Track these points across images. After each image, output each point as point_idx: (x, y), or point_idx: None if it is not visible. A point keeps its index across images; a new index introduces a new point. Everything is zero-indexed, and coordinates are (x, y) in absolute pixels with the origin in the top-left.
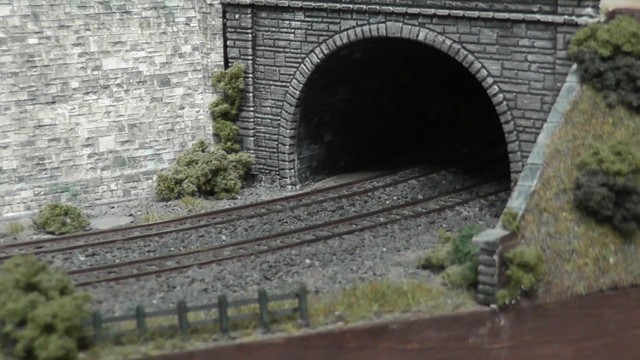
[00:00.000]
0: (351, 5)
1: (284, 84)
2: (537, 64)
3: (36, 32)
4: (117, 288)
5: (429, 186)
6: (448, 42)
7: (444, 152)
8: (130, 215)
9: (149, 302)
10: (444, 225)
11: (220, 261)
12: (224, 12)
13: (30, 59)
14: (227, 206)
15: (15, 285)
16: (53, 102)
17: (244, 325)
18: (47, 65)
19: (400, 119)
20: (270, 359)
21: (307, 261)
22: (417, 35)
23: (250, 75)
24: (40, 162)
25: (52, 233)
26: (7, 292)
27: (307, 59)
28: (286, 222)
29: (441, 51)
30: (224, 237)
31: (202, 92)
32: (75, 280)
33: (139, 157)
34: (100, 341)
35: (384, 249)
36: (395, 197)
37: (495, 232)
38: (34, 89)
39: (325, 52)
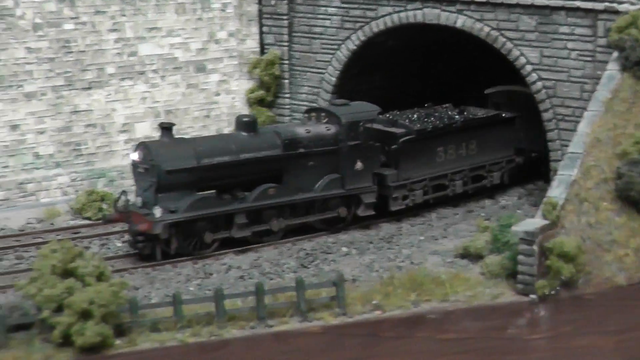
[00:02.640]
0: None
1: (319, 70)
2: (577, 52)
3: (72, 18)
4: (154, 274)
5: None
6: (486, 29)
7: None
8: None
9: (186, 289)
10: (482, 214)
11: (257, 248)
12: None
13: (67, 45)
14: None
15: (52, 271)
16: (89, 88)
17: (281, 314)
18: (83, 51)
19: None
20: (307, 347)
21: (344, 249)
22: (455, 22)
23: (286, 61)
24: (77, 147)
25: (89, 219)
26: (43, 278)
27: (343, 45)
28: None
29: (478, 38)
30: None
31: (237, 79)
32: (111, 267)
33: None
34: (137, 328)
35: (422, 238)
36: None
37: (535, 222)
38: (70, 74)
39: (362, 38)
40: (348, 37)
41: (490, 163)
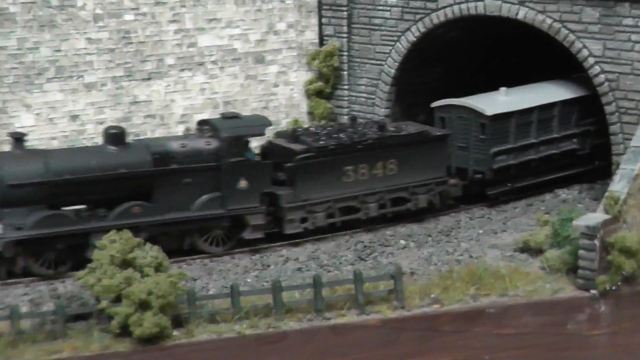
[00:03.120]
0: None
1: (379, 62)
2: None
3: (132, 9)
4: (211, 266)
5: None
6: (548, 21)
7: None
8: None
9: (243, 281)
10: (542, 208)
11: (315, 240)
12: None
13: (127, 36)
14: None
15: (110, 262)
16: (149, 79)
17: (339, 306)
18: (143, 42)
19: None
20: (364, 340)
21: (402, 242)
22: (517, 14)
23: (345, 53)
24: (136, 138)
25: None
26: (102, 268)
27: (403, 37)
28: None
29: (540, 30)
30: None
31: (296, 70)
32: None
33: None
34: (195, 319)
35: (480, 231)
36: None
37: (597, 216)
38: (130, 65)
39: (422, 30)
40: (408, 29)
41: (414, 185)
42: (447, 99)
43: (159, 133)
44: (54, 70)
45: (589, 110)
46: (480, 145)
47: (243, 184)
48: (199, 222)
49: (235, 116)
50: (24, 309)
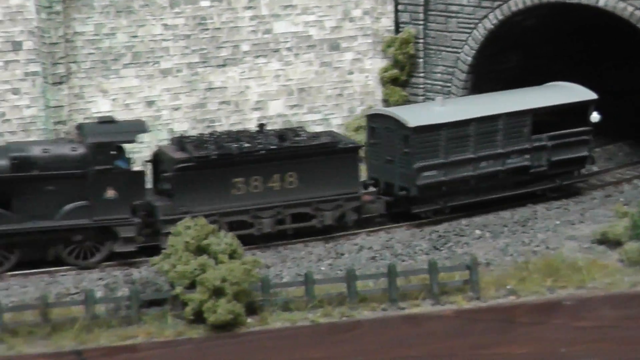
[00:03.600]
0: None
1: (455, 50)
2: None
3: None
4: (285, 253)
5: (604, 158)
6: (630, 9)
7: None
8: None
9: (317, 269)
10: (621, 199)
11: (389, 229)
12: None
13: (202, 22)
14: None
15: (185, 248)
16: (224, 65)
17: (413, 296)
18: (219, 28)
19: None
20: (439, 331)
21: (478, 232)
22: (597, 2)
23: (421, 40)
24: (211, 124)
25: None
26: (177, 254)
27: (480, 24)
28: None
29: (621, 19)
30: None
31: (371, 57)
32: (243, 244)
33: (307, 121)
34: (269, 307)
35: (557, 222)
36: None
37: None
38: (206, 51)
39: (499, 17)
40: (485, 16)
41: (318, 200)
42: (377, 108)
43: (233, 120)
44: (130, 56)
45: (549, 123)
46: (404, 159)
47: (111, 193)
48: (62, 232)
49: (110, 121)
50: (99, 293)
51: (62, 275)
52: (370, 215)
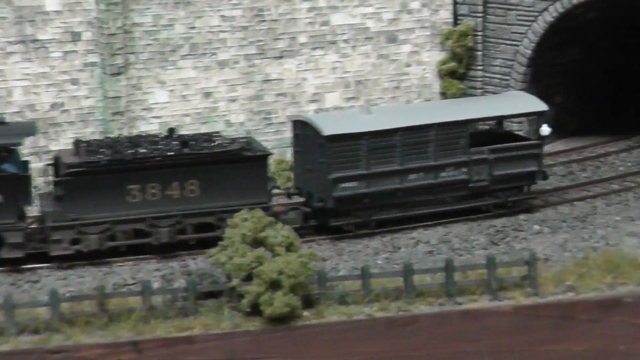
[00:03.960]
0: None
1: (514, 43)
2: None
3: None
4: (342, 246)
5: None
6: None
7: None
8: None
9: (373, 262)
10: None
11: (446, 223)
12: None
13: (260, 13)
14: None
15: (242, 240)
16: (281, 57)
17: (471, 291)
18: (276, 20)
19: (634, 82)
20: (497, 326)
21: (536, 227)
22: None
23: (480, 33)
24: (267, 116)
25: (277, 188)
26: (234, 246)
27: (540, 17)
28: None
29: None
30: None
31: (429, 50)
32: (300, 237)
33: None
34: (325, 300)
35: (618, 218)
36: (629, 164)
37: None
38: (263, 43)
39: (560, 10)
40: (545, 9)
41: (222, 210)
42: (300, 114)
43: (290, 112)
44: (187, 48)
45: (491, 135)
46: (321, 169)
47: None
48: None
49: (0, 122)
50: (155, 284)
51: (120, 265)
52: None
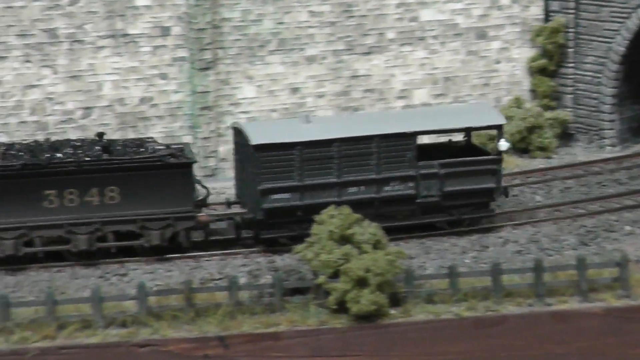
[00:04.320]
0: None
1: (607, 40)
2: None
3: None
4: (429, 244)
5: None
6: None
7: None
8: None
9: (461, 261)
10: None
11: (535, 223)
12: None
13: (348, 9)
14: (542, 165)
15: (329, 237)
16: (369, 53)
17: (560, 292)
18: (365, 16)
19: None
20: (587, 328)
21: (628, 228)
22: None
23: (572, 29)
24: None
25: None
26: (320, 243)
27: (634, 14)
28: (605, 185)
29: None
30: (538, 198)
31: (519, 47)
32: (387, 235)
33: None
34: (412, 298)
35: None
36: None
37: None
38: (351, 39)
39: None
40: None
41: (145, 218)
42: (236, 121)
43: (377, 108)
44: (276, 43)
45: (456, 149)
46: (252, 179)
47: None
48: None
49: None
50: (242, 280)
51: (206, 260)
52: (219, 237)
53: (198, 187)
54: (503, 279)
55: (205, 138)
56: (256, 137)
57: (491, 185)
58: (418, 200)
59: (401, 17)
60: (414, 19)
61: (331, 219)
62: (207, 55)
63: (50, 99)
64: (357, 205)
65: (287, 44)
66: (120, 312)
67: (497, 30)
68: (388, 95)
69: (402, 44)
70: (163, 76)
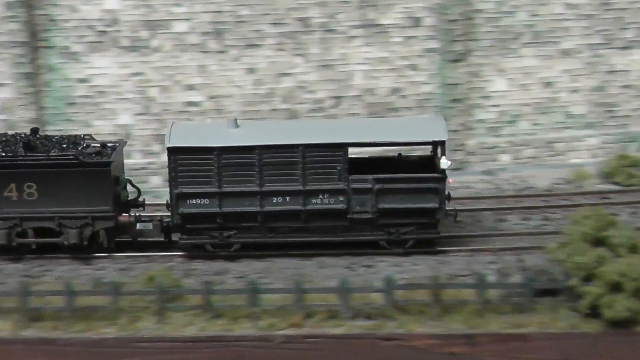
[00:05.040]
0: None
1: None
2: None
3: None
4: None
5: None
6: None
7: None
8: None
9: None
10: None
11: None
12: None
13: (607, 2)
14: None
15: (582, 239)
16: (628, 47)
17: None
18: (624, 9)
19: None
20: None
21: None
22: None
23: None
24: (610, 109)
25: (618, 184)
26: (573, 244)
27: None
28: None
29: None
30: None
31: None
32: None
33: None
34: None
35: None
36: None
37: None
38: (609, 32)
39: None
40: None
41: (62, 216)
42: (175, 120)
43: (636, 105)
44: (529, 35)
45: (408, 164)
46: (170, 183)
47: None
48: None
49: None
50: (491, 278)
51: (454, 256)
52: (147, 239)
53: (129, 187)
54: None
55: (453, 131)
56: (173, 139)
57: (433, 205)
58: (350, 216)
59: None
60: None
61: (585, 220)
62: (458, 47)
63: (302, 87)
64: (281, 217)
65: (541, 37)
66: (366, 304)
67: None
68: None
69: None
70: (413, 67)
